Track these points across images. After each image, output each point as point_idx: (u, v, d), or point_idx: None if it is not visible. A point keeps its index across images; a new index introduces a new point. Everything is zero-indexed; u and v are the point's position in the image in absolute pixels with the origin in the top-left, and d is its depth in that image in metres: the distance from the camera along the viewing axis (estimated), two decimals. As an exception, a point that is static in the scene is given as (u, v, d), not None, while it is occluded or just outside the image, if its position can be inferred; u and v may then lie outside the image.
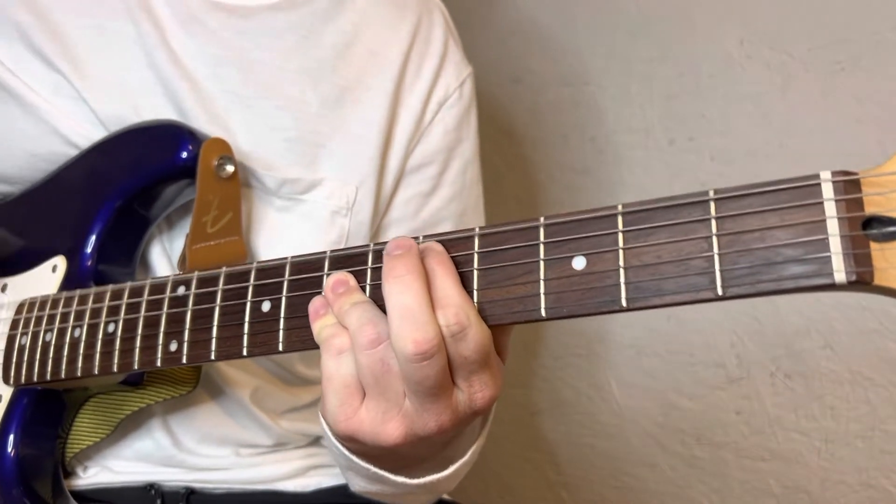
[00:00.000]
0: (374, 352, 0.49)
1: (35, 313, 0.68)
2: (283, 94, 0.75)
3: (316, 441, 0.83)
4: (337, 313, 0.51)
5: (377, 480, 0.59)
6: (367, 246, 0.52)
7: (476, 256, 0.48)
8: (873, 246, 0.39)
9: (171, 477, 0.76)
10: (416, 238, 0.50)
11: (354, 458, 0.58)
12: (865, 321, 1.06)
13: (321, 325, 0.51)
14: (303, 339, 0.53)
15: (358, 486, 0.64)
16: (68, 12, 0.74)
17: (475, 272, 0.48)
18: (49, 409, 0.69)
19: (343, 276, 0.52)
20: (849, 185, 0.39)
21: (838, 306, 1.08)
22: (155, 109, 0.73)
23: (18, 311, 0.70)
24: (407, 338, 0.46)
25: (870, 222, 0.39)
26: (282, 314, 0.54)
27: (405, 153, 0.79)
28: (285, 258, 0.55)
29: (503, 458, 1.41)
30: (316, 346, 0.52)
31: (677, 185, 1.21)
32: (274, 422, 0.78)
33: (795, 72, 1.11)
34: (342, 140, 0.76)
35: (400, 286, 0.47)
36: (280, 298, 0.54)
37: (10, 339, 0.69)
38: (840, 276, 0.39)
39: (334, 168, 0.76)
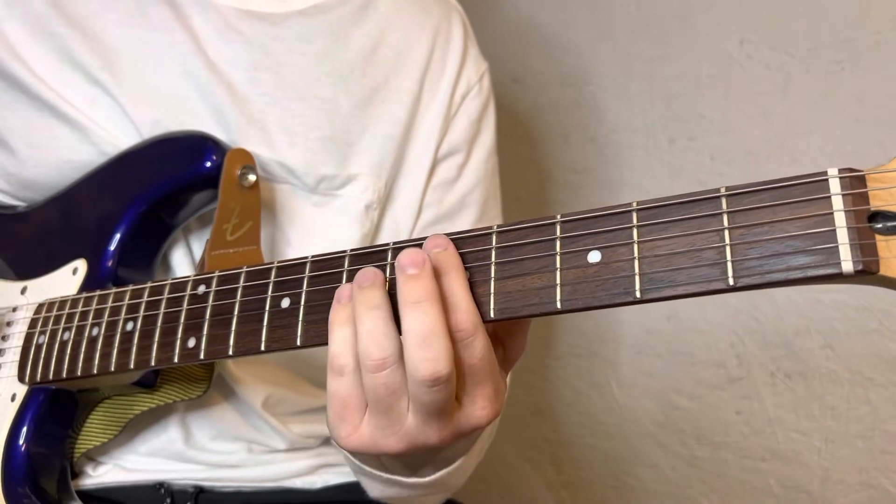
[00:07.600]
0: (380, 375, 0.49)
1: (54, 313, 0.69)
2: (316, 96, 0.79)
3: (326, 441, 0.84)
4: (355, 309, 0.51)
5: (392, 484, 0.62)
6: (387, 245, 0.53)
7: (494, 252, 0.49)
8: (878, 238, 0.40)
9: (182, 474, 0.77)
10: (422, 239, 0.51)
11: (365, 466, 0.60)
12: (865, 321, 1.06)
13: (337, 315, 0.51)
14: (320, 335, 0.53)
15: (375, 490, 0.66)
16: (107, 23, 0.76)
17: (493, 266, 0.49)
18: (62, 407, 0.70)
19: (373, 271, 0.51)
20: (854, 181, 0.41)
21: (838, 306, 1.08)
22: (193, 115, 0.75)
23: (38, 311, 0.71)
24: (424, 362, 0.47)
25: (874, 216, 0.41)
26: (301, 310, 0.55)
27: (436, 146, 0.83)
28: (306, 257, 0.56)
29: (503, 458, 1.41)
30: None
31: (677, 184, 1.22)
32: (286, 427, 0.79)
33: (795, 72, 1.11)
34: (372, 138, 0.80)
35: (418, 313, 0.47)
36: (300, 294, 0.55)
37: (28, 338, 0.70)
38: (847, 265, 0.40)
39: (366, 164, 0.80)
